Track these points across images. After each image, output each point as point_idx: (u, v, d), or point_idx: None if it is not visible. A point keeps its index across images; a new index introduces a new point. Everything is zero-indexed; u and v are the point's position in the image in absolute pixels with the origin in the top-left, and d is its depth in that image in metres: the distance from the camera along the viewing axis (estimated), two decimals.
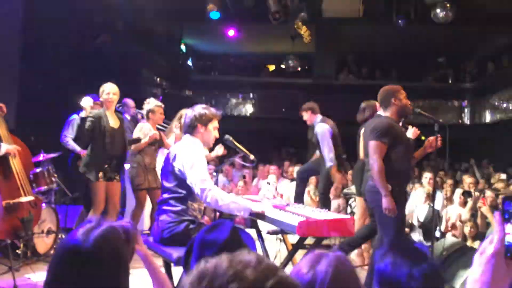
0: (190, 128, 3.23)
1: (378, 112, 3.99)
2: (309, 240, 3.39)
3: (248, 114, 13.10)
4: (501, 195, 5.50)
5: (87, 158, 4.60)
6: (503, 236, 0.92)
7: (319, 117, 5.73)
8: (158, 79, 11.92)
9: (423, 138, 4.04)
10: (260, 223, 3.97)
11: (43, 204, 4.66)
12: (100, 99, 4.73)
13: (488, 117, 11.98)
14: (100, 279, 1.25)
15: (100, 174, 4.54)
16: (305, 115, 5.77)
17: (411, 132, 4.05)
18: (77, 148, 5.70)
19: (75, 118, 5.91)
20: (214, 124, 3.28)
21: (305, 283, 1.14)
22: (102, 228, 1.33)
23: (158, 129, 5.37)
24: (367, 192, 3.83)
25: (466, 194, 5.85)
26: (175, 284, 3.31)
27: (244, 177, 7.17)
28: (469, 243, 5.14)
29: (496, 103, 11.59)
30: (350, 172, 6.87)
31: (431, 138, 3.92)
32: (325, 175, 5.64)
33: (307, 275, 1.16)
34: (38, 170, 4.72)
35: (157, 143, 5.15)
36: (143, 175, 4.98)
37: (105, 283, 1.26)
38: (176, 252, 2.96)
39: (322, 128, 5.54)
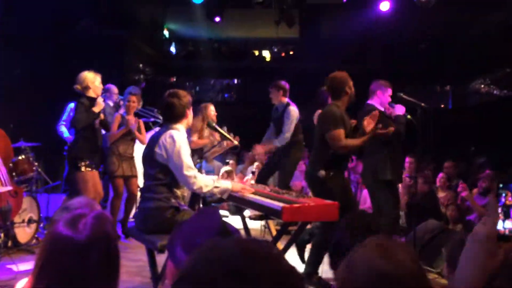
0: (178, 117, 3.20)
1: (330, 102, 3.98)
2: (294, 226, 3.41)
3: (232, 100, 13.04)
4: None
5: (81, 148, 4.49)
6: (496, 219, 0.92)
7: (286, 100, 5.61)
8: (141, 65, 11.74)
9: (409, 117, 4.06)
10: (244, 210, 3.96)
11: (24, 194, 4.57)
12: (80, 86, 4.55)
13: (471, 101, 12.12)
14: (94, 267, 1.24)
15: (91, 163, 4.49)
16: (274, 93, 5.56)
17: (399, 108, 4.08)
18: (65, 135, 5.62)
19: (70, 106, 5.78)
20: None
21: None
22: (92, 216, 1.30)
23: (139, 117, 5.32)
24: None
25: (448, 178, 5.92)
26: (159, 271, 3.31)
27: (227, 163, 7.15)
28: (450, 226, 5.22)
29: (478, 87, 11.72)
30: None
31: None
32: (288, 171, 5.49)
33: None
34: (18, 158, 4.63)
35: (133, 134, 5.09)
36: (117, 163, 4.96)
37: (99, 271, 1.25)
38: (160, 240, 2.94)
39: (295, 111, 5.44)
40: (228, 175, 6.62)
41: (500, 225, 4.43)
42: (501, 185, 5.32)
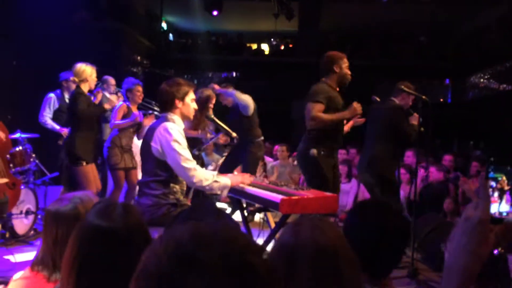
0: (167, 105, 3.08)
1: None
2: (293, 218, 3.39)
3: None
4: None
5: (79, 140, 4.47)
6: (489, 203, 0.90)
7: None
8: (139, 57, 11.69)
9: (422, 129, 4.10)
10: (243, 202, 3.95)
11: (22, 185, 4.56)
12: (78, 79, 4.54)
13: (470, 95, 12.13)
14: (133, 256, 1.21)
15: (91, 156, 4.49)
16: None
17: (415, 118, 4.14)
18: (56, 126, 5.59)
19: (52, 96, 5.77)
20: (191, 96, 3.13)
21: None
22: (122, 206, 1.27)
23: (140, 110, 5.28)
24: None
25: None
26: None
27: (224, 156, 7.13)
28: (448, 219, 5.23)
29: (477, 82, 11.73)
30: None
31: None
32: (252, 161, 5.29)
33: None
34: (16, 150, 4.60)
35: (136, 126, 5.05)
36: (119, 155, 4.92)
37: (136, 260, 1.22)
38: (157, 232, 2.92)
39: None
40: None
41: (495, 208, 4.49)
42: (491, 168, 5.34)
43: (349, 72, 3.87)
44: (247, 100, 5.24)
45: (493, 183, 4.69)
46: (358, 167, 4.76)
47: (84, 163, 4.43)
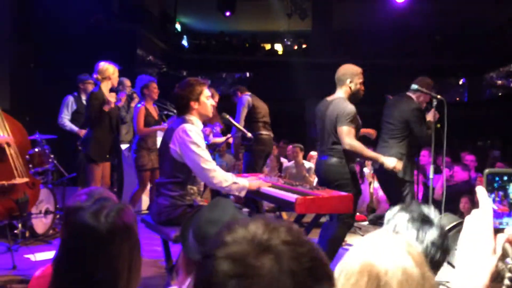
0: (184, 109, 3.08)
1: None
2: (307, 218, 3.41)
3: None
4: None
5: (93, 140, 4.58)
6: (491, 214, 0.88)
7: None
8: (153, 58, 11.79)
9: (438, 126, 4.04)
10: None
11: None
12: (101, 76, 4.62)
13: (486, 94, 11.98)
14: (116, 257, 1.28)
15: (104, 155, 4.59)
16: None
17: (431, 115, 4.07)
18: (75, 128, 5.68)
19: (70, 98, 5.86)
20: (206, 93, 3.11)
21: None
22: (113, 207, 1.33)
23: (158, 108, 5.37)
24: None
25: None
26: (174, 261, 3.33)
27: (239, 158, 7.15)
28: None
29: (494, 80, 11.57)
30: None
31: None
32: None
33: None
34: (34, 150, 4.69)
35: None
36: (147, 156, 5.01)
37: (120, 261, 1.29)
38: (174, 231, 2.96)
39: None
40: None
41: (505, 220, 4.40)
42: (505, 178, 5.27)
43: (362, 88, 3.75)
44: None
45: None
46: (373, 167, 4.73)
47: (95, 162, 4.56)
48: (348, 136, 3.56)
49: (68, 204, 1.71)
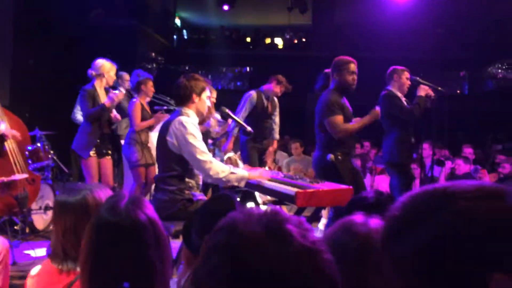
0: (184, 99, 3.08)
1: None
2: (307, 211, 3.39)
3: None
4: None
5: (79, 135, 4.51)
6: None
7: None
8: (153, 53, 11.76)
9: (439, 88, 4.02)
10: (257, 195, 3.96)
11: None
12: (95, 73, 4.55)
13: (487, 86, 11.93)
14: (146, 250, 1.23)
15: (92, 151, 4.47)
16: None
17: (423, 89, 4.05)
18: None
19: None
20: (207, 93, 3.16)
21: None
22: (130, 200, 1.29)
23: (153, 104, 5.30)
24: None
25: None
26: (174, 256, 3.33)
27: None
28: None
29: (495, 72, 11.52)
30: None
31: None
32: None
33: None
34: (34, 146, 4.68)
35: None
36: (140, 152, 4.93)
37: (151, 254, 1.23)
38: (174, 226, 2.95)
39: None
40: (232, 162, 6.58)
41: None
42: None
43: (350, 79, 3.72)
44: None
45: None
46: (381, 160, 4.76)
47: (85, 157, 4.42)
48: (336, 125, 3.63)
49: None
